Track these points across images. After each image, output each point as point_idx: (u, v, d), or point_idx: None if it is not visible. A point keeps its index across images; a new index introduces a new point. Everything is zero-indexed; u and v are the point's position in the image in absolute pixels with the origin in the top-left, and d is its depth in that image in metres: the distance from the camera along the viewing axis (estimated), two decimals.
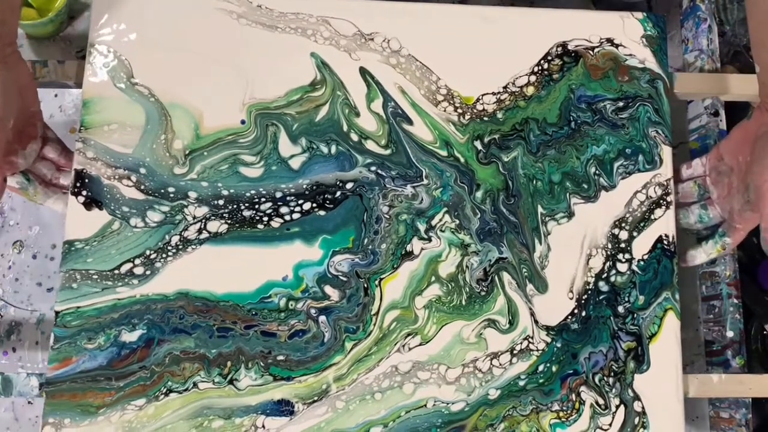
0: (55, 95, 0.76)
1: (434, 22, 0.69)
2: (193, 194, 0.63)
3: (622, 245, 0.66)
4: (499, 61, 0.68)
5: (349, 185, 0.65)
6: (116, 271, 0.62)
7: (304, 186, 0.64)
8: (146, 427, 0.59)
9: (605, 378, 0.63)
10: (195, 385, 0.60)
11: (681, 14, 0.78)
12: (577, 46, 0.69)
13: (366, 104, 0.66)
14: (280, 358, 0.61)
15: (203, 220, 0.63)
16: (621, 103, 0.68)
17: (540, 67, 0.68)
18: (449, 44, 0.68)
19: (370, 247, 0.64)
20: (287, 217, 0.64)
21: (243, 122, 0.65)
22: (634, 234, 0.66)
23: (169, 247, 0.62)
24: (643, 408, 0.63)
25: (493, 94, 0.68)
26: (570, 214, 0.66)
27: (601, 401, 0.63)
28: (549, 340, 0.64)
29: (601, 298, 0.65)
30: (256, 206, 0.64)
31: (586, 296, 0.65)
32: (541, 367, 0.63)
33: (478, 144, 0.67)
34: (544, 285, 0.65)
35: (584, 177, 0.67)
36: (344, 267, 0.63)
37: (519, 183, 0.66)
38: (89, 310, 0.61)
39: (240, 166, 0.64)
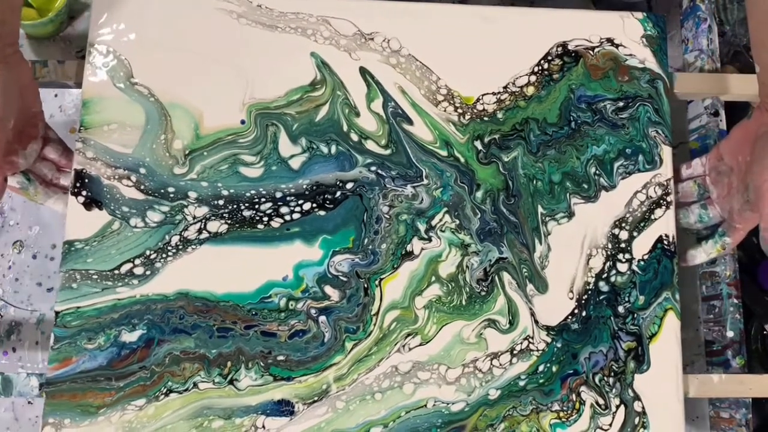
0: (55, 95, 0.76)
1: (434, 22, 0.69)
2: (193, 194, 0.63)
3: (623, 245, 0.66)
4: (499, 61, 0.68)
5: (349, 185, 0.65)
6: (116, 272, 0.62)
7: (304, 186, 0.64)
8: (146, 427, 0.59)
9: (605, 378, 0.63)
10: (195, 385, 0.60)
11: (681, 14, 0.78)
12: (577, 46, 0.69)
13: (366, 104, 0.66)
14: (281, 358, 0.61)
15: (203, 220, 0.63)
16: (621, 103, 0.68)
17: (540, 67, 0.68)
18: (449, 44, 0.68)
19: (370, 247, 0.64)
20: (287, 217, 0.64)
21: (243, 122, 0.65)
22: (635, 234, 0.66)
23: (169, 247, 0.62)
24: (643, 408, 0.63)
25: (493, 94, 0.68)
26: (570, 214, 0.66)
27: (601, 401, 0.63)
28: (549, 340, 0.64)
29: (601, 298, 0.65)
30: (256, 206, 0.64)
31: (586, 296, 0.65)
32: (541, 367, 0.63)
33: (478, 144, 0.67)
34: (544, 285, 0.65)
35: (584, 177, 0.67)
36: (344, 267, 0.63)
37: (519, 183, 0.66)
38: (89, 310, 0.61)
39: (240, 166, 0.64)
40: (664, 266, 0.66)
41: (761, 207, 0.59)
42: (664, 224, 0.66)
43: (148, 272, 0.62)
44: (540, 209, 0.66)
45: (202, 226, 0.63)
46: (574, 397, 0.63)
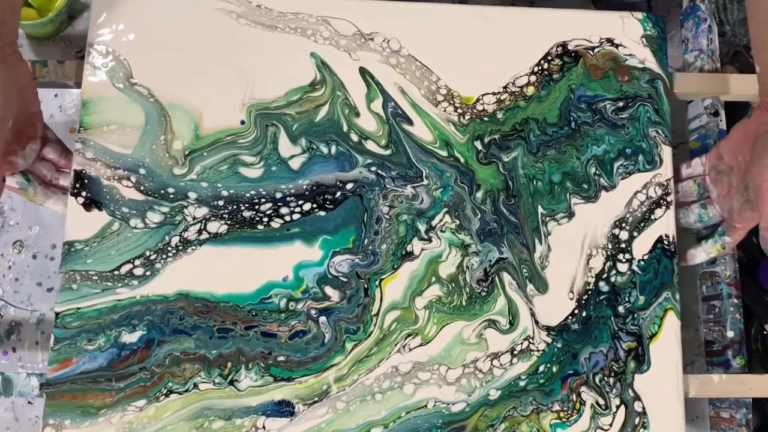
0: (55, 95, 0.76)
1: (434, 22, 0.68)
2: (192, 195, 0.63)
3: (623, 245, 0.66)
4: (499, 61, 0.68)
5: (349, 186, 0.65)
6: (116, 272, 0.62)
7: (304, 186, 0.64)
8: (147, 428, 0.59)
9: (606, 378, 0.63)
10: (195, 386, 0.60)
11: (681, 14, 0.78)
12: (577, 46, 0.69)
13: (366, 104, 0.66)
14: (281, 358, 0.61)
15: (203, 221, 0.63)
16: (621, 103, 0.68)
17: (540, 67, 0.68)
18: (449, 44, 0.68)
19: (370, 247, 0.64)
20: (287, 218, 0.64)
21: (243, 122, 0.65)
22: (635, 234, 0.66)
23: (169, 248, 0.62)
24: (643, 408, 0.63)
25: (493, 94, 0.68)
26: (570, 215, 0.66)
27: (601, 401, 0.63)
28: (549, 340, 0.64)
29: (601, 298, 0.65)
30: (256, 207, 0.64)
31: (586, 296, 0.65)
32: (541, 368, 0.63)
33: (478, 144, 0.67)
34: (544, 285, 0.65)
35: (584, 177, 0.67)
36: (344, 267, 0.63)
37: (519, 183, 0.66)
38: (89, 311, 0.61)
39: (240, 166, 0.64)
40: (664, 266, 0.66)
41: (761, 206, 0.59)
42: (664, 224, 0.66)
43: (148, 273, 0.62)
44: (540, 209, 0.66)
45: (202, 227, 0.63)
46: (574, 397, 0.63)
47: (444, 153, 0.66)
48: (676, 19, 0.80)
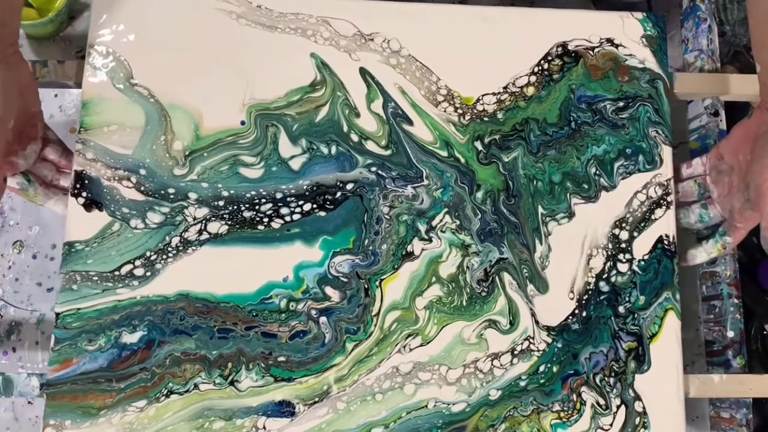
0: (55, 95, 0.76)
1: (434, 22, 0.68)
2: (193, 195, 0.63)
3: (623, 245, 0.66)
4: (499, 61, 0.68)
5: (349, 186, 0.65)
6: (116, 273, 0.62)
7: (305, 187, 0.64)
8: (147, 428, 0.59)
9: (606, 378, 0.63)
10: (196, 386, 0.60)
11: (681, 14, 0.78)
12: (577, 46, 0.69)
13: (366, 105, 0.66)
14: (281, 359, 0.61)
15: (203, 221, 0.63)
16: (621, 103, 0.68)
17: (540, 67, 0.68)
18: (449, 44, 0.68)
19: (370, 247, 0.64)
20: (287, 218, 0.64)
21: (243, 123, 0.65)
22: (635, 234, 0.66)
23: (170, 249, 0.62)
24: (643, 408, 0.63)
25: (494, 94, 0.68)
26: (570, 215, 0.66)
27: (601, 401, 0.63)
28: (550, 340, 0.64)
29: (601, 298, 0.65)
30: (257, 207, 0.64)
31: (586, 296, 0.65)
32: (541, 368, 0.63)
33: (478, 144, 0.67)
34: (544, 285, 0.65)
35: (584, 177, 0.67)
36: (345, 268, 0.63)
37: (519, 183, 0.66)
38: (89, 311, 0.61)
39: (240, 167, 0.64)
40: (664, 266, 0.66)
41: (762, 206, 0.59)
42: (665, 224, 0.66)
43: (148, 273, 0.62)
44: (540, 209, 0.66)
45: (203, 227, 0.63)
46: (574, 397, 0.63)
47: (444, 153, 0.66)
48: (676, 19, 0.80)
